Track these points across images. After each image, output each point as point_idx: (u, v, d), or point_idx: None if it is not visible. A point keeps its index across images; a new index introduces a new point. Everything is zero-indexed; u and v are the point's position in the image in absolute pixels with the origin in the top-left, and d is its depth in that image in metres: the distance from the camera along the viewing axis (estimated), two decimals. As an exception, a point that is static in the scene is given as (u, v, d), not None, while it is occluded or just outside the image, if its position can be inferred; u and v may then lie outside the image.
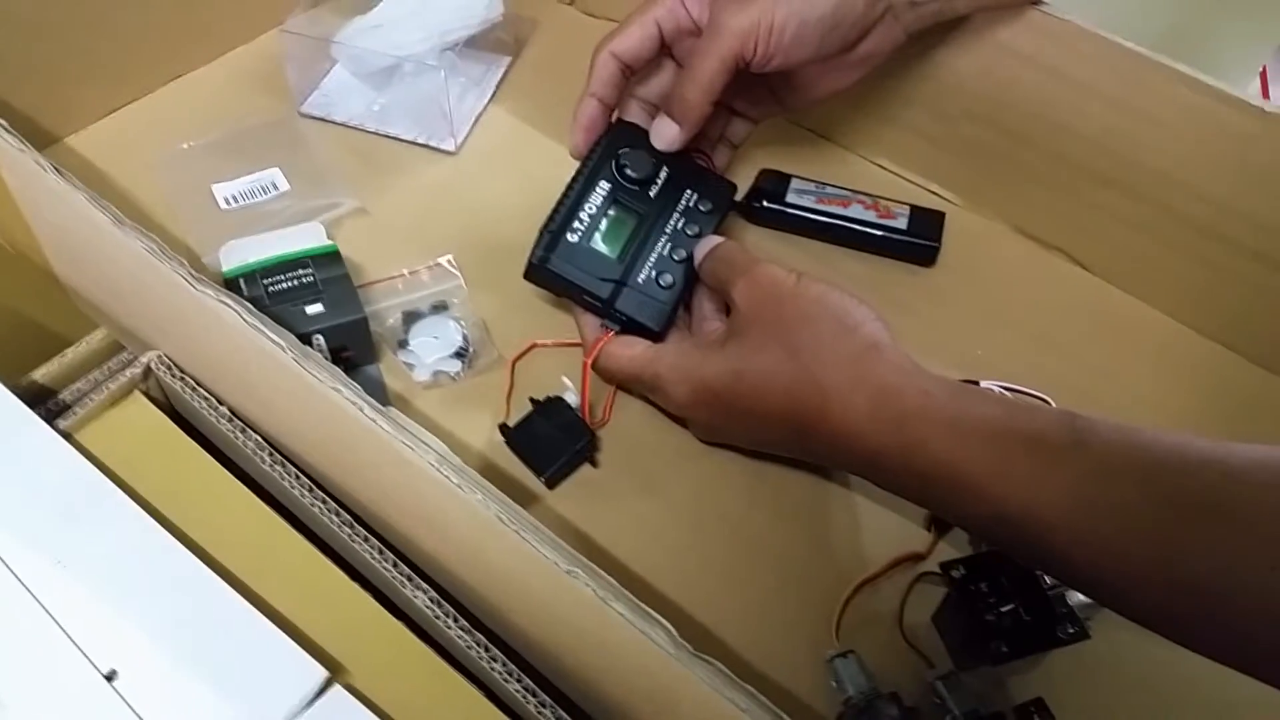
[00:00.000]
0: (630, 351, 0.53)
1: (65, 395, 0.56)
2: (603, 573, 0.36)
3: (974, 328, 0.63)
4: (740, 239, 0.67)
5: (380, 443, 0.39)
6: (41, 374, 0.56)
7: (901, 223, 0.66)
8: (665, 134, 0.56)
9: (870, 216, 0.66)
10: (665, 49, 0.58)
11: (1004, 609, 0.47)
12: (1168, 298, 0.64)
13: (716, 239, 0.55)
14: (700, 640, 0.48)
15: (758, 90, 0.61)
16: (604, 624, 0.36)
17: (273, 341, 0.41)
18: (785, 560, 0.52)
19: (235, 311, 0.42)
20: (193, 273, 0.43)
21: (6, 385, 0.53)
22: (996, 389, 0.58)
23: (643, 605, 0.35)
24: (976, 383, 0.58)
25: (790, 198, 0.67)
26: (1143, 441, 0.39)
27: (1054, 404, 0.57)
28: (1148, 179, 0.60)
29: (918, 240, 0.66)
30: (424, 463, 0.38)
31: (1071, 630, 0.47)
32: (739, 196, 0.67)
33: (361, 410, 0.39)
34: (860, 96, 0.68)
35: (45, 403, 0.55)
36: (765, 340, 0.48)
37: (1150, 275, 0.64)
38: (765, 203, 0.67)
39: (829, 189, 0.68)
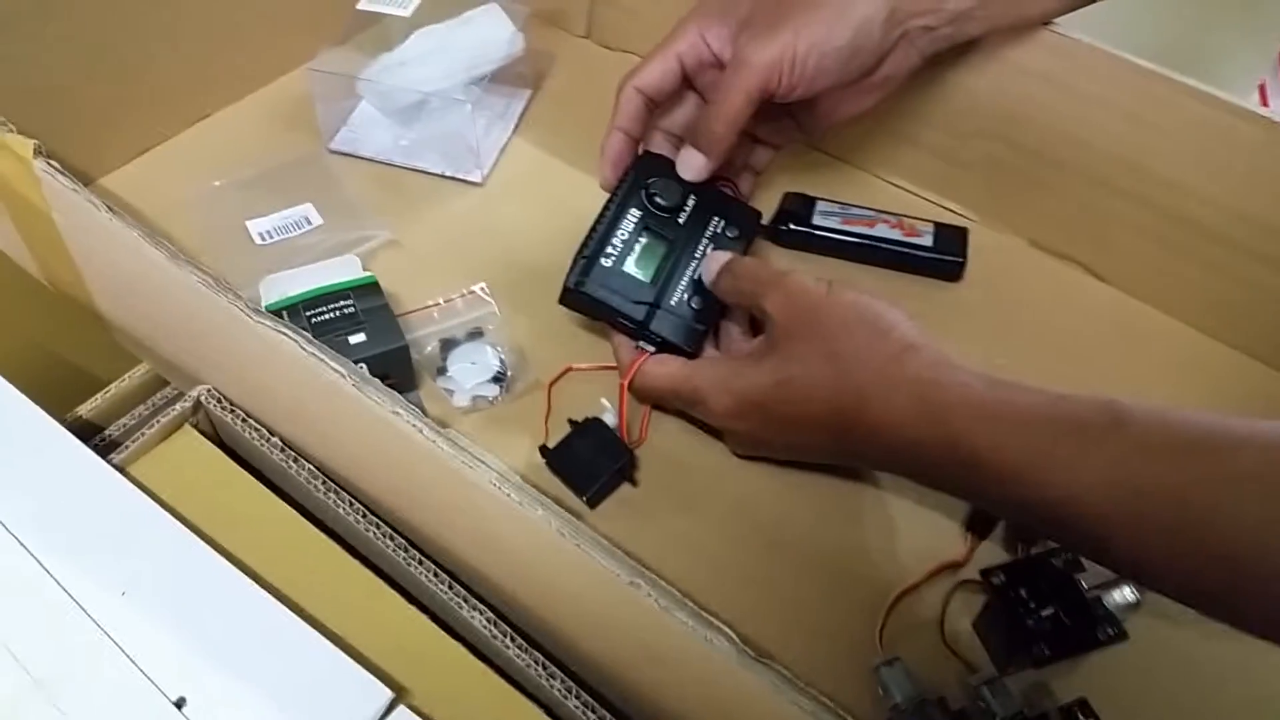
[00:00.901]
0: (668, 369, 0.54)
1: (112, 431, 0.57)
2: (664, 583, 0.37)
3: (996, 340, 0.64)
4: (766, 258, 0.69)
5: (440, 463, 0.41)
6: (87, 410, 0.58)
7: (927, 240, 0.68)
8: (693, 165, 0.58)
9: (896, 235, 0.68)
10: (687, 81, 0.60)
11: (1044, 613, 0.48)
12: (1186, 306, 0.65)
13: (724, 255, 0.57)
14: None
15: (779, 118, 0.63)
16: (666, 633, 0.37)
17: (333, 369, 0.42)
18: (825, 571, 0.53)
19: (295, 341, 0.43)
20: (250, 305, 0.44)
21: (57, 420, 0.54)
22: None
23: (705, 613, 0.36)
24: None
25: (816, 219, 0.69)
26: (1179, 421, 0.40)
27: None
28: (1160, 189, 0.62)
29: (944, 256, 0.67)
30: (484, 480, 0.39)
31: (1111, 631, 0.48)
32: (764, 220, 0.69)
33: (422, 431, 0.41)
34: (877, 119, 0.70)
35: (92, 438, 0.56)
36: (803, 349, 0.50)
37: (1167, 284, 0.65)
38: (792, 225, 0.69)
39: (853, 209, 0.69)
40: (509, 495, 0.39)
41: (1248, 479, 0.38)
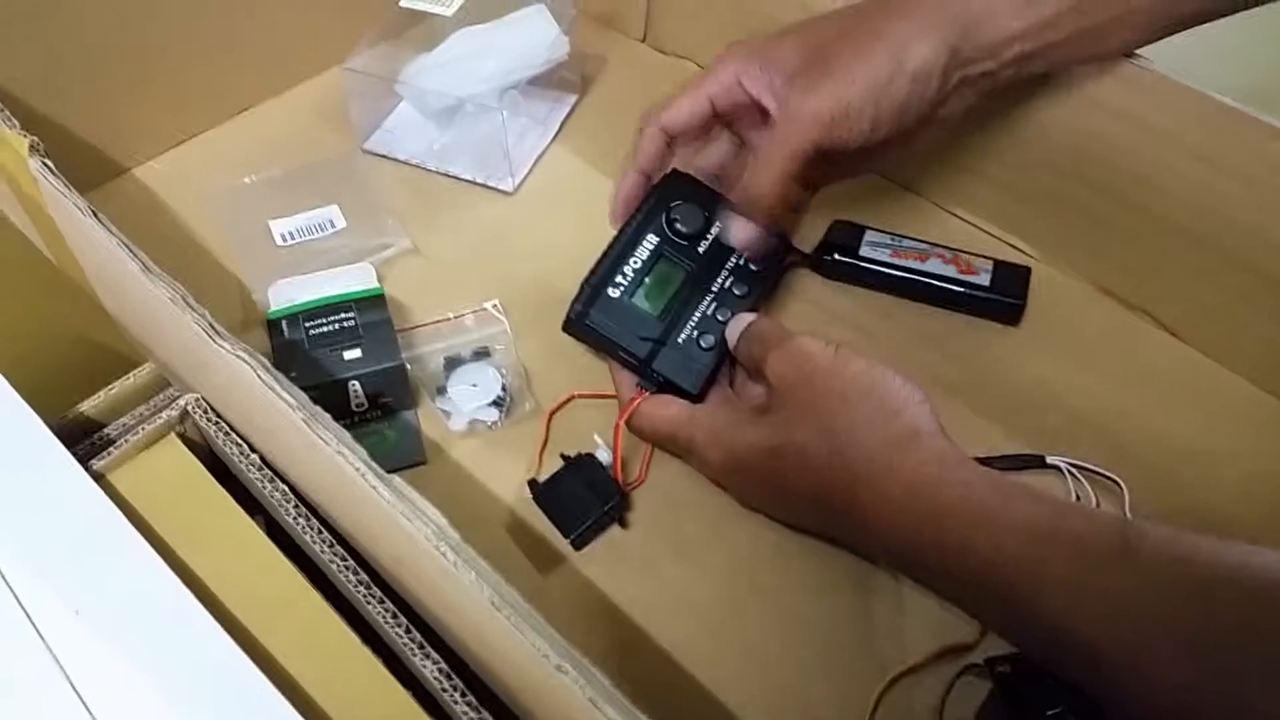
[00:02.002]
0: (666, 412, 0.51)
1: (111, 429, 0.56)
2: (593, 670, 0.34)
3: (1049, 393, 0.59)
4: (810, 292, 0.64)
5: (381, 510, 0.38)
6: (88, 407, 0.57)
7: (984, 279, 0.62)
8: (743, 236, 0.55)
9: (950, 271, 0.63)
10: (717, 119, 0.56)
11: (1051, 713, 0.43)
12: (1260, 368, 0.59)
13: (749, 316, 0.53)
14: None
15: (820, 159, 0.59)
16: (594, 725, 0.33)
17: (285, 400, 0.40)
18: (821, 641, 0.49)
19: (250, 366, 0.41)
20: (212, 324, 0.42)
21: (55, 418, 0.53)
22: (1064, 466, 0.54)
23: (635, 711, 0.33)
24: (1043, 458, 0.54)
25: (864, 250, 0.64)
26: (1200, 557, 0.35)
27: (1125, 486, 0.53)
28: (1238, 239, 0.56)
29: (1001, 298, 0.62)
30: (420, 536, 0.37)
31: (1127, 744, 0.43)
32: (808, 249, 0.64)
33: (364, 476, 0.38)
34: (939, 145, 0.65)
35: (91, 436, 0.55)
36: (799, 418, 0.46)
37: (1240, 343, 0.59)
38: (837, 255, 0.64)
39: (905, 241, 0.64)
40: (444, 554, 0.36)
41: (1267, 638, 0.33)
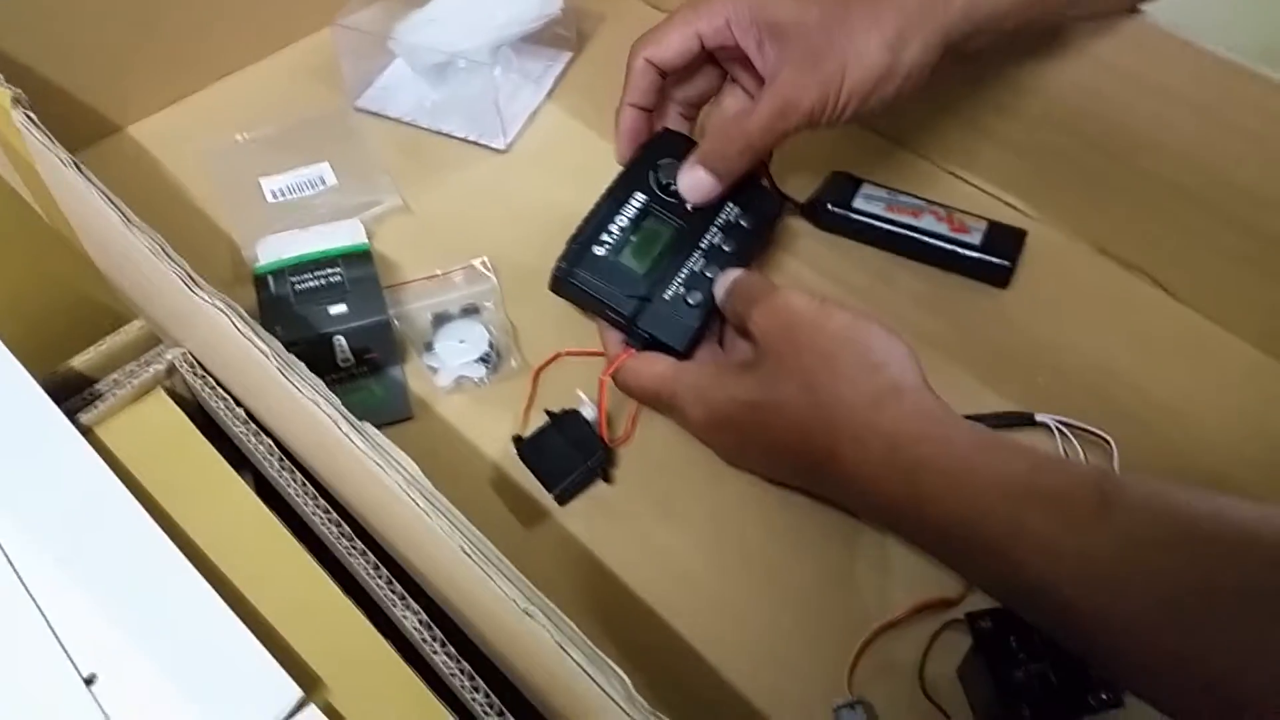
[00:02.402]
0: (651, 369, 0.51)
1: (101, 385, 0.56)
2: (562, 615, 0.34)
3: (1042, 353, 0.58)
4: (803, 242, 0.64)
5: (355, 459, 0.38)
6: (79, 362, 0.57)
7: (975, 238, 0.61)
8: (698, 186, 0.54)
9: (942, 229, 0.62)
10: (705, 55, 0.55)
11: (1033, 668, 0.43)
12: (1257, 329, 0.58)
13: (736, 272, 0.52)
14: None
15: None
16: (560, 669, 0.33)
17: (259, 350, 0.40)
18: (803, 596, 0.49)
19: (225, 315, 0.41)
20: (190, 274, 0.42)
21: (46, 373, 0.54)
22: (1052, 424, 0.53)
23: (600, 654, 0.33)
24: (1032, 416, 0.54)
25: (858, 203, 0.63)
26: (1174, 509, 0.35)
27: (1114, 444, 0.52)
28: (1239, 198, 0.55)
29: (990, 258, 0.61)
30: (392, 484, 0.37)
31: (1105, 697, 0.42)
32: (803, 199, 0.64)
33: (337, 425, 0.38)
34: (936, 102, 0.64)
35: (81, 391, 0.56)
36: (782, 373, 0.45)
37: (1238, 303, 0.58)
38: (831, 206, 0.64)
39: (901, 197, 0.64)
40: (415, 502, 0.36)
41: (1241, 591, 0.32)
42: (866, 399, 0.43)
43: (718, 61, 0.56)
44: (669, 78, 0.55)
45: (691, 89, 0.57)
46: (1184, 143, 0.56)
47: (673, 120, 0.57)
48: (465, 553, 0.35)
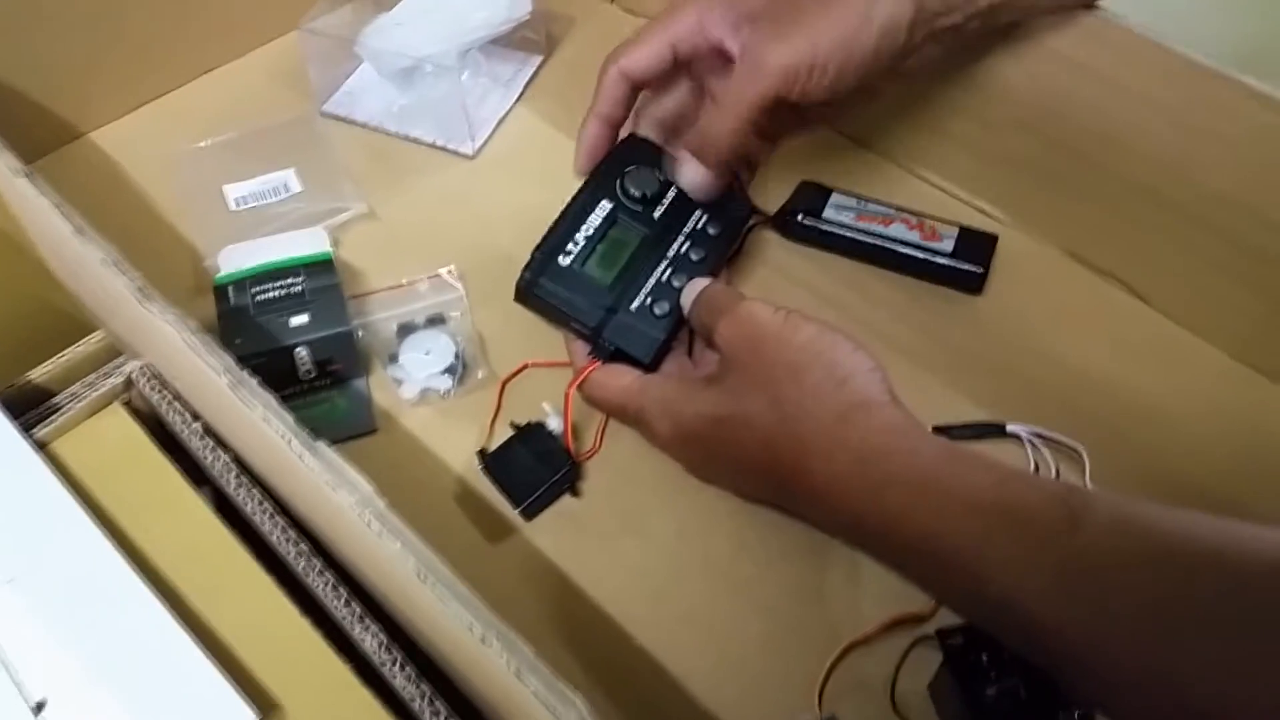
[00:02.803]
0: (618, 382, 0.50)
1: (60, 398, 0.55)
2: (519, 641, 0.33)
3: (1014, 361, 0.58)
4: (773, 251, 0.63)
5: (309, 479, 0.37)
6: (38, 374, 0.56)
7: (947, 245, 0.61)
8: (695, 179, 0.53)
9: (913, 237, 0.61)
10: (680, 66, 0.54)
11: (1004, 685, 0.43)
12: (1230, 336, 0.57)
13: (703, 281, 0.51)
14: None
15: (780, 110, 0.57)
16: (517, 695, 0.33)
17: (209, 366, 0.39)
18: (772, 611, 0.48)
19: (175, 331, 0.40)
20: (141, 288, 0.41)
21: (4, 385, 0.53)
22: (1024, 434, 0.53)
23: (558, 681, 0.32)
24: (1003, 427, 0.53)
25: (828, 213, 0.63)
26: (1143, 526, 0.34)
27: (1086, 454, 0.52)
28: (1212, 203, 0.54)
29: (962, 266, 0.61)
30: (346, 505, 0.36)
31: (1076, 714, 0.42)
32: (773, 210, 0.63)
33: (289, 444, 0.37)
34: (902, 104, 0.63)
35: (39, 405, 0.54)
36: (747, 387, 0.45)
37: (1210, 309, 0.58)
38: (801, 218, 0.63)
39: (871, 205, 0.63)
40: (369, 524, 0.35)
41: (1209, 610, 0.32)
42: (833, 413, 0.42)
43: (693, 77, 0.56)
44: (641, 90, 0.55)
45: (665, 106, 0.56)
46: (1155, 147, 0.55)
47: (644, 132, 0.57)
48: (420, 577, 0.34)
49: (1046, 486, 0.38)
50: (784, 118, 0.57)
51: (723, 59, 0.53)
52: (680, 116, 0.57)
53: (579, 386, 0.51)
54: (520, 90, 0.71)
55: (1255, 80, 0.51)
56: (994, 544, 0.36)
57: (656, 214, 0.54)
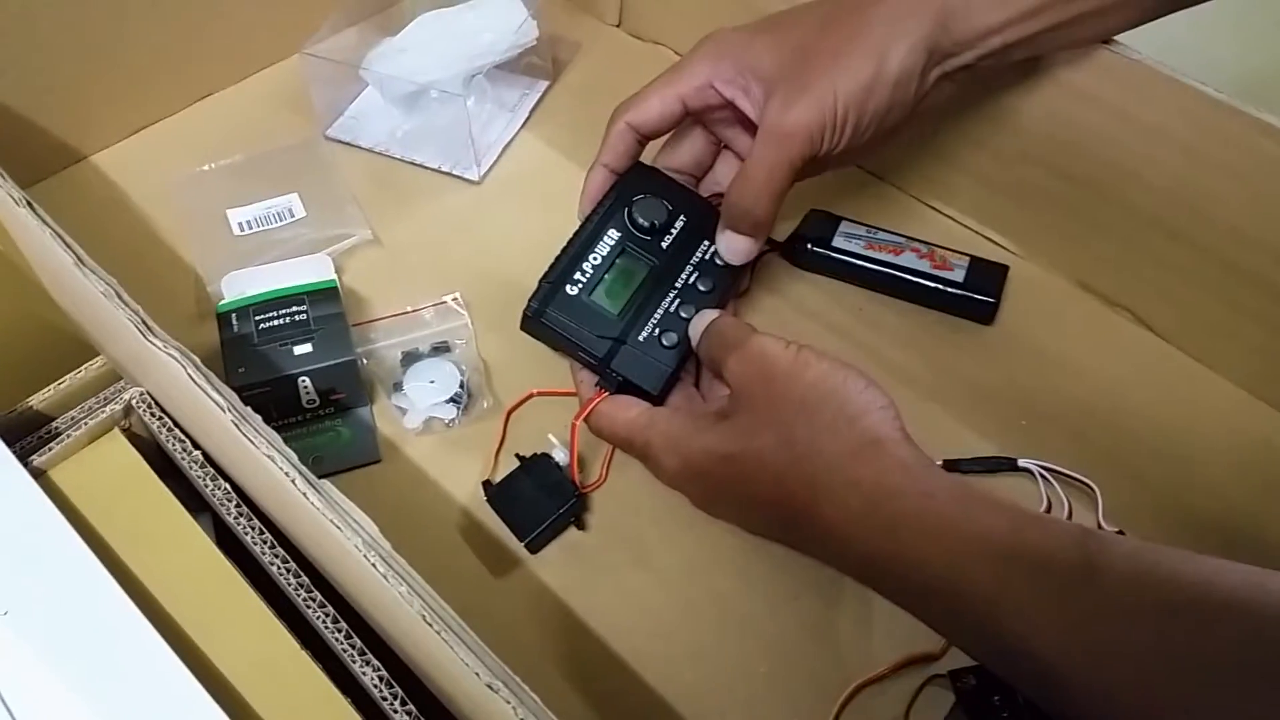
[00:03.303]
0: (625, 414, 0.49)
1: (59, 423, 0.54)
2: (526, 689, 0.32)
3: (1023, 393, 0.57)
4: (782, 280, 0.63)
5: (313, 518, 0.36)
6: (38, 400, 0.55)
7: (958, 275, 0.60)
8: (739, 250, 0.53)
9: (924, 266, 0.61)
10: (688, 116, 0.54)
11: (1016, 729, 0.42)
12: (1242, 369, 0.57)
13: (712, 313, 0.51)
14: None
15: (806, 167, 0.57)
16: (525, 744, 0.32)
17: (212, 400, 0.38)
18: (781, 650, 0.47)
19: (179, 364, 0.39)
20: (144, 320, 0.41)
21: (3, 411, 0.52)
22: (1035, 470, 0.52)
23: (565, 728, 0.31)
24: (1014, 461, 0.53)
25: (837, 241, 0.62)
26: (1161, 574, 0.34)
27: (1098, 490, 0.51)
28: (1224, 237, 0.54)
29: (974, 295, 0.60)
30: (350, 545, 0.35)
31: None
32: (781, 239, 0.63)
33: (294, 482, 0.36)
34: (917, 137, 0.63)
35: (39, 430, 0.54)
36: (757, 424, 0.44)
37: (1222, 343, 0.57)
38: (810, 245, 0.62)
39: (881, 234, 0.63)
40: (374, 565, 0.35)
41: (1229, 660, 0.31)
42: (845, 453, 0.41)
43: (705, 126, 0.56)
44: (648, 142, 0.55)
45: (679, 156, 0.56)
46: (1167, 179, 0.55)
47: None
48: (426, 620, 0.33)
49: (1063, 531, 0.37)
50: (804, 168, 0.57)
51: (735, 114, 0.53)
52: (695, 164, 0.57)
53: (586, 418, 0.50)
54: (526, 115, 0.71)
55: (1270, 115, 0.50)
56: (1009, 591, 0.36)
57: (665, 243, 0.53)
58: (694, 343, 0.51)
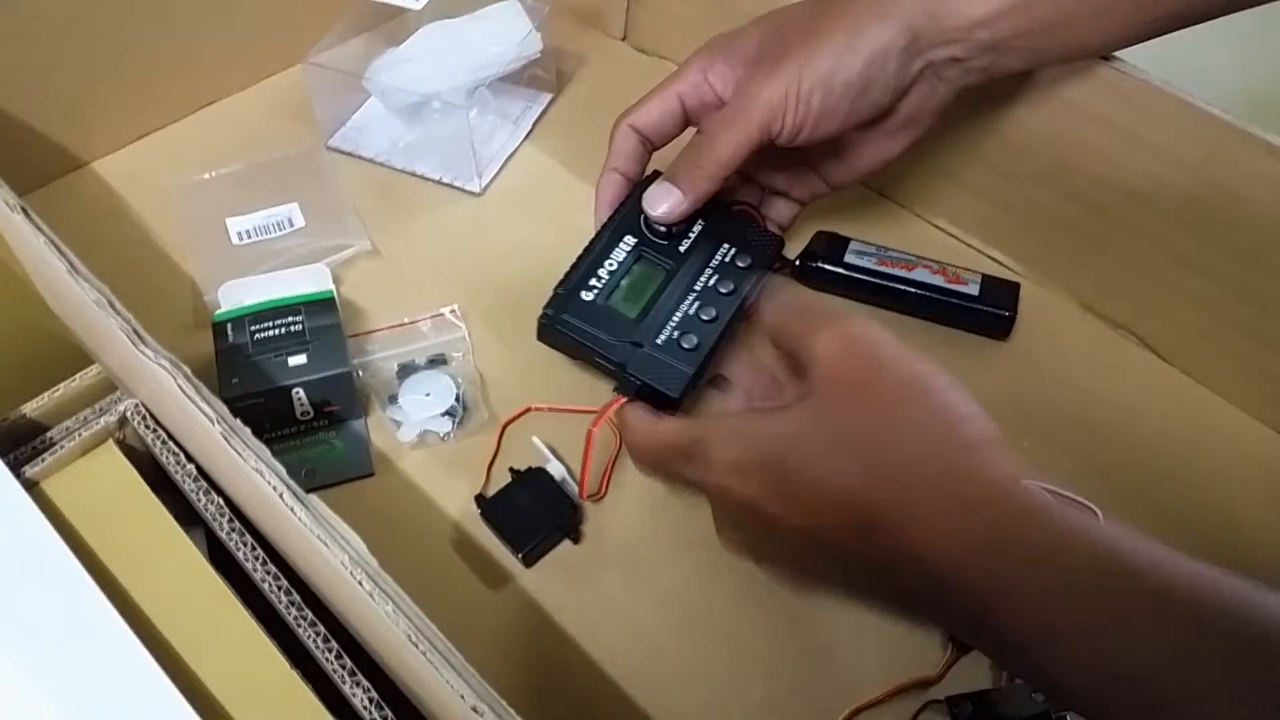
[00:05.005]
0: (664, 423, 0.46)
1: (53, 433, 0.54)
2: (513, 713, 0.32)
3: (1027, 415, 0.56)
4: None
5: (300, 533, 0.36)
6: (31, 409, 0.55)
7: (973, 289, 0.60)
8: (664, 202, 0.51)
9: (938, 281, 0.60)
10: (690, 123, 0.54)
11: (1015, 757, 0.41)
12: (1249, 393, 0.56)
13: (790, 282, 0.49)
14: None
15: (798, 167, 0.56)
16: (511, 768, 0.31)
17: (203, 413, 0.38)
18: (775, 672, 0.47)
19: (170, 375, 0.39)
20: (136, 329, 0.40)
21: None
22: (1038, 490, 0.51)
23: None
24: (1015, 482, 0.52)
25: (849, 258, 0.62)
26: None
27: (1100, 514, 0.50)
28: (1231, 260, 0.53)
29: (991, 309, 0.59)
30: (337, 562, 0.34)
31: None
32: (793, 256, 0.62)
33: (281, 497, 0.36)
34: (920, 152, 0.62)
35: (33, 440, 0.53)
36: (844, 409, 0.40)
37: (1226, 366, 0.56)
38: (822, 263, 0.62)
39: (891, 252, 0.62)
40: (360, 584, 0.34)
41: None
42: (945, 456, 0.38)
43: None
44: (654, 147, 0.54)
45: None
46: (1174, 201, 0.54)
47: None
48: (412, 641, 0.33)
49: (1241, 600, 0.33)
50: (799, 174, 0.57)
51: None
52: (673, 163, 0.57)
53: (621, 438, 0.49)
54: (529, 128, 0.71)
55: (1277, 137, 0.50)
56: (1157, 642, 0.33)
57: (682, 248, 0.53)
58: (764, 315, 0.48)
